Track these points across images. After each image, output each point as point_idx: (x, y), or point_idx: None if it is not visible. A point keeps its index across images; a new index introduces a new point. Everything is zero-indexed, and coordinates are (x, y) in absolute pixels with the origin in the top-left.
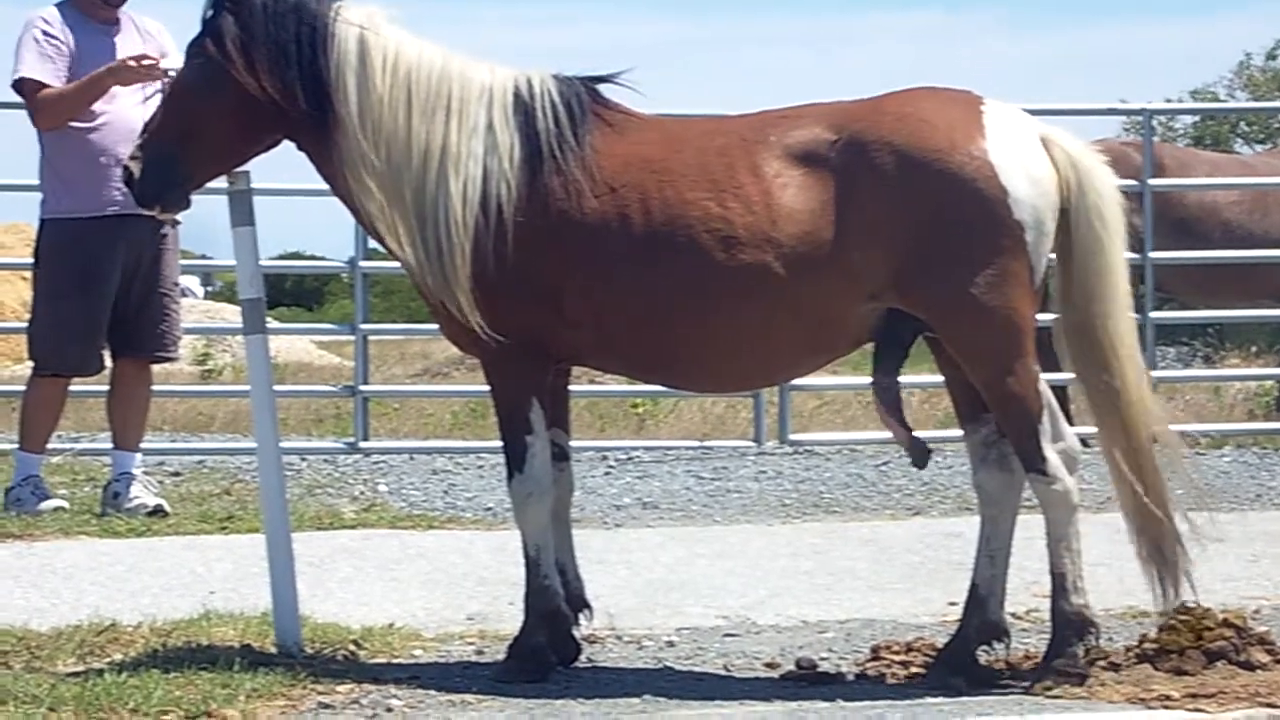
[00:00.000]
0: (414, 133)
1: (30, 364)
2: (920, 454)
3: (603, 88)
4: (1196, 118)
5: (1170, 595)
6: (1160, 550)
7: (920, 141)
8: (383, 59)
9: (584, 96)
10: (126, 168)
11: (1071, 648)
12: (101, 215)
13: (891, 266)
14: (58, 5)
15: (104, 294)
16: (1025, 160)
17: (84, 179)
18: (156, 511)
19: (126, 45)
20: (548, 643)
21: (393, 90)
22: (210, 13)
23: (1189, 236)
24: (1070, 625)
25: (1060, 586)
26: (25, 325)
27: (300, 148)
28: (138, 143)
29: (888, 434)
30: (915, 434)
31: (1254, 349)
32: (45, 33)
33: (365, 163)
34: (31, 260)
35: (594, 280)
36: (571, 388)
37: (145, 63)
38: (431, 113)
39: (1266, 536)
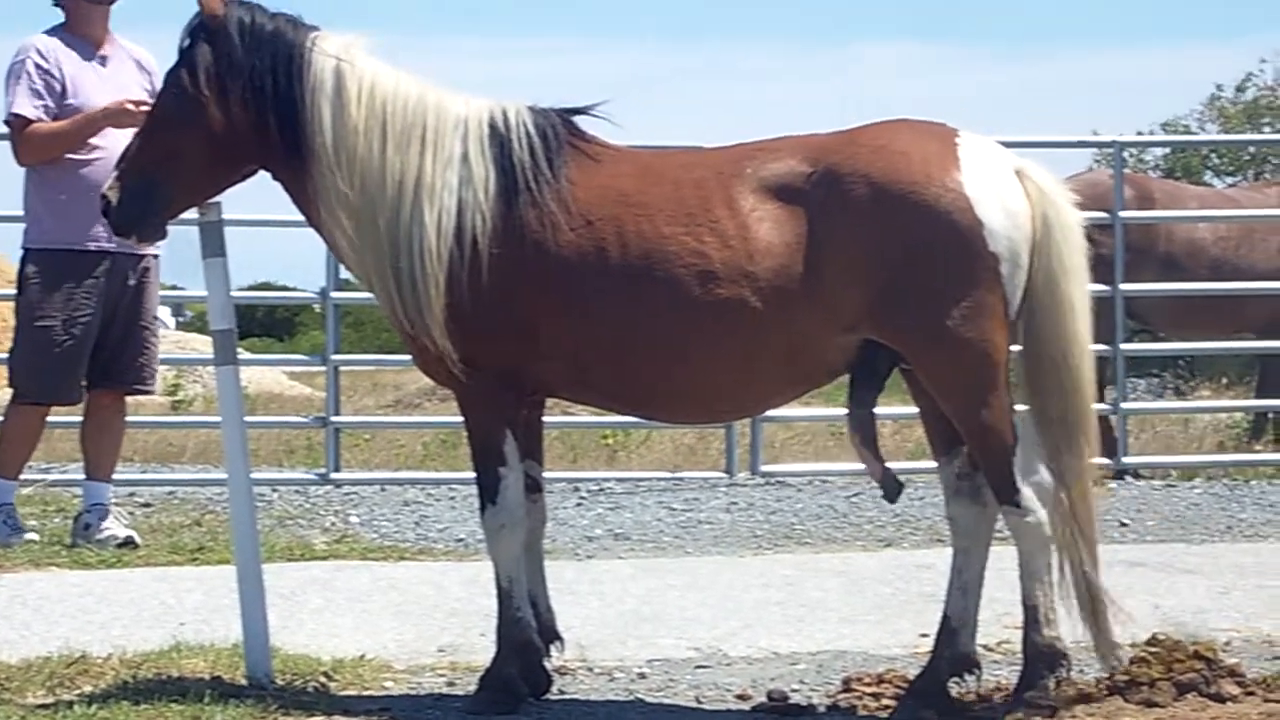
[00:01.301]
0: (389, 163)
1: (7, 392)
2: (893, 488)
3: (579, 120)
4: (1167, 149)
5: (1101, 631)
6: (1091, 586)
7: (895, 174)
8: (358, 90)
9: (559, 128)
10: (104, 196)
11: (1043, 680)
12: (87, 248)
13: (867, 298)
14: (51, 31)
15: (87, 325)
16: (1000, 192)
17: (73, 211)
18: (127, 543)
19: (119, 76)
20: (519, 674)
21: (368, 120)
22: (187, 42)
23: (1177, 271)
24: (1042, 657)
25: (1032, 619)
26: (3, 355)
27: (275, 178)
28: (115, 172)
29: (859, 465)
30: (888, 466)
31: (1224, 380)
32: (38, 65)
33: (337, 194)
34: (14, 290)
35: (569, 313)
36: (543, 419)
37: (142, 108)
38: (406, 143)
39: (1237, 569)
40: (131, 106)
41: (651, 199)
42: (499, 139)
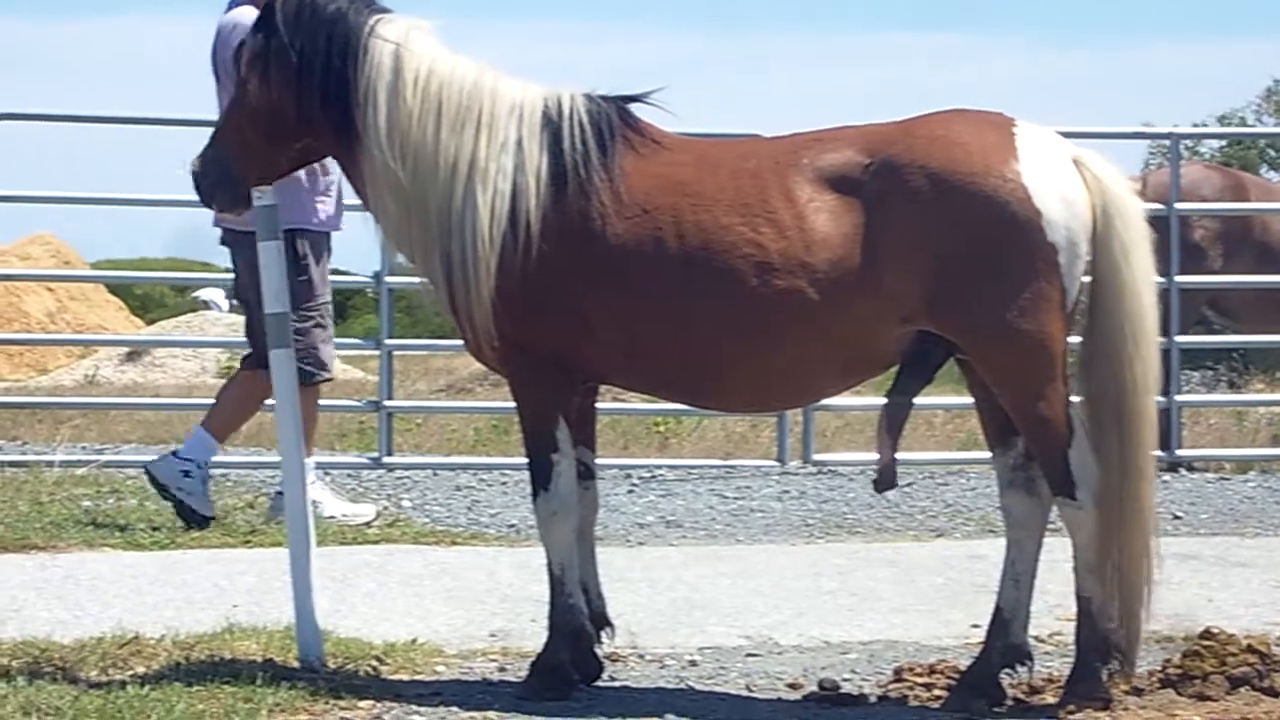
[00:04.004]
0: (442, 145)
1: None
2: (887, 480)
3: (636, 108)
4: (1223, 142)
5: (1127, 620)
6: (1125, 575)
7: (954, 164)
8: (414, 75)
9: (614, 117)
10: (193, 168)
11: (1096, 671)
12: (320, 228)
13: (924, 290)
14: (239, 6)
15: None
16: (1059, 182)
17: (301, 191)
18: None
19: None
20: (570, 661)
21: (423, 104)
22: (257, 25)
23: (1273, 263)
24: (1095, 649)
25: (1086, 610)
26: (48, 337)
27: (336, 159)
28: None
29: (912, 454)
30: (896, 459)
31: (1279, 374)
32: None
33: (389, 176)
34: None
35: (624, 300)
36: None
37: None
38: (461, 126)
39: None
40: None
41: (708, 188)
42: (552, 126)
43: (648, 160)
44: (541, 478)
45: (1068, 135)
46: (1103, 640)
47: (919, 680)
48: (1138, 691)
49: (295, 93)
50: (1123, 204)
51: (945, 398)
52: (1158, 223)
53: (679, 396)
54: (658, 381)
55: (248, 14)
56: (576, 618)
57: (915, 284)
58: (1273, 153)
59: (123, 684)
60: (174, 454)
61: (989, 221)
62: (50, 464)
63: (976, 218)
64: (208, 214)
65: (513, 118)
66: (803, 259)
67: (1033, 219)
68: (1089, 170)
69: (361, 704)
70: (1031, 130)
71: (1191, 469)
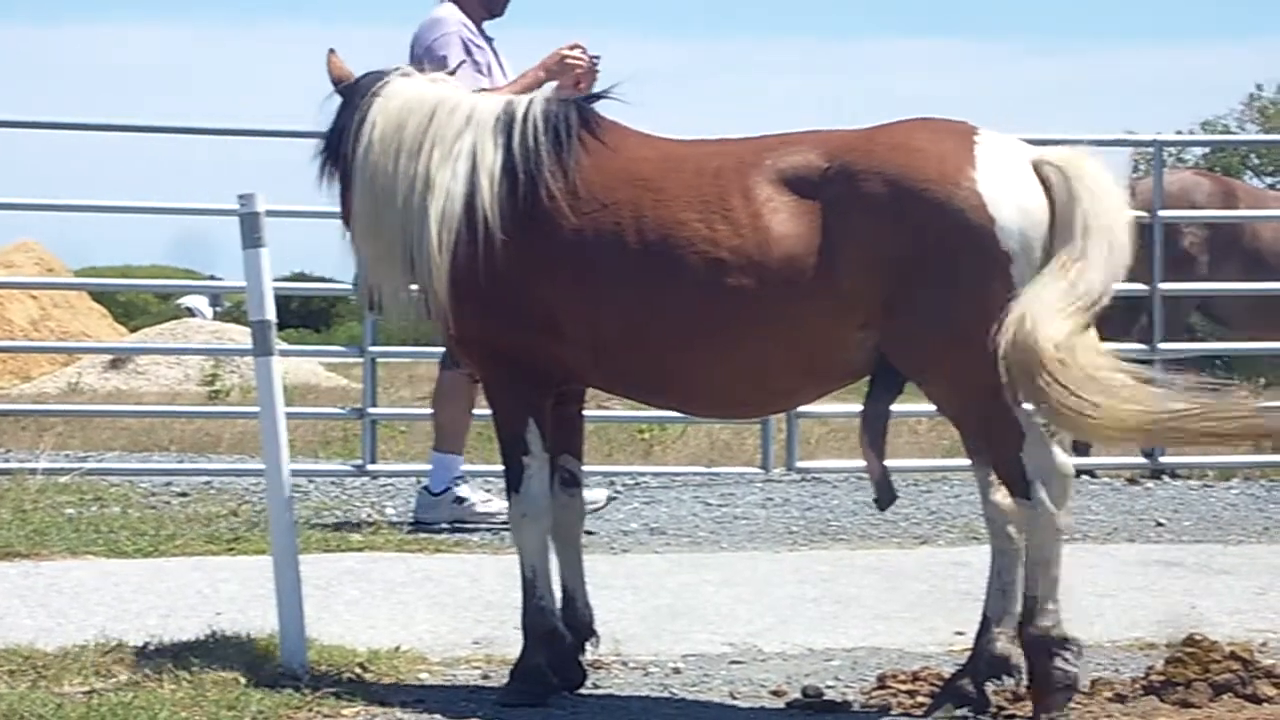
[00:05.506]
0: (401, 170)
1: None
2: (886, 495)
3: (605, 107)
4: (1207, 149)
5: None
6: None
7: (910, 171)
8: (388, 118)
9: (571, 115)
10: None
11: (1046, 668)
12: None
13: (880, 295)
14: (446, 2)
15: None
16: (1015, 190)
17: None
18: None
19: (497, 57)
20: (549, 664)
21: (391, 141)
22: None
23: (1262, 270)
24: (1038, 645)
25: (1029, 609)
26: (31, 344)
27: None
28: None
29: (895, 462)
30: (887, 469)
31: (1262, 381)
32: (470, 41)
33: (365, 218)
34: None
35: (586, 296)
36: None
37: (578, 51)
38: (418, 150)
39: (1274, 569)
40: (568, 50)
41: (669, 185)
42: (507, 128)
43: (609, 156)
44: (513, 480)
45: (1052, 142)
46: (1044, 636)
47: (902, 688)
48: (1120, 698)
49: (336, 170)
50: (1086, 178)
51: (928, 404)
52: (1144, 231)
53: (648, 397)
54: (626, 381)
55: (448, 11)
56: (549, 620)
57: (871, 289)
58: (1255, 159)
59: (106, 692)
60: (426, 489)
61: (942, 228)
62: (33, 471)
63: (929, 225)
64: (201, 221)
65: (468, 128)
66: (756, 257)
67: (986, 226)
68: (1048, 164)
69: (345, 711)
70: (992, 138)
71: (1175, 476)
